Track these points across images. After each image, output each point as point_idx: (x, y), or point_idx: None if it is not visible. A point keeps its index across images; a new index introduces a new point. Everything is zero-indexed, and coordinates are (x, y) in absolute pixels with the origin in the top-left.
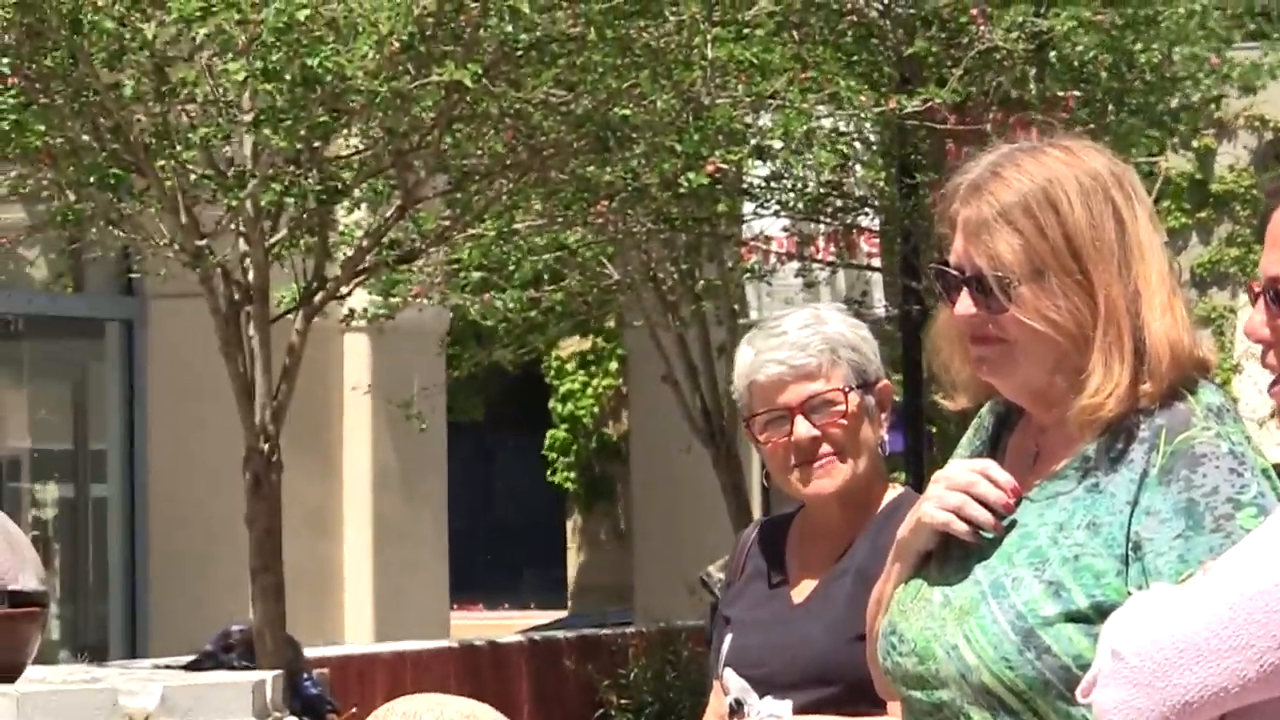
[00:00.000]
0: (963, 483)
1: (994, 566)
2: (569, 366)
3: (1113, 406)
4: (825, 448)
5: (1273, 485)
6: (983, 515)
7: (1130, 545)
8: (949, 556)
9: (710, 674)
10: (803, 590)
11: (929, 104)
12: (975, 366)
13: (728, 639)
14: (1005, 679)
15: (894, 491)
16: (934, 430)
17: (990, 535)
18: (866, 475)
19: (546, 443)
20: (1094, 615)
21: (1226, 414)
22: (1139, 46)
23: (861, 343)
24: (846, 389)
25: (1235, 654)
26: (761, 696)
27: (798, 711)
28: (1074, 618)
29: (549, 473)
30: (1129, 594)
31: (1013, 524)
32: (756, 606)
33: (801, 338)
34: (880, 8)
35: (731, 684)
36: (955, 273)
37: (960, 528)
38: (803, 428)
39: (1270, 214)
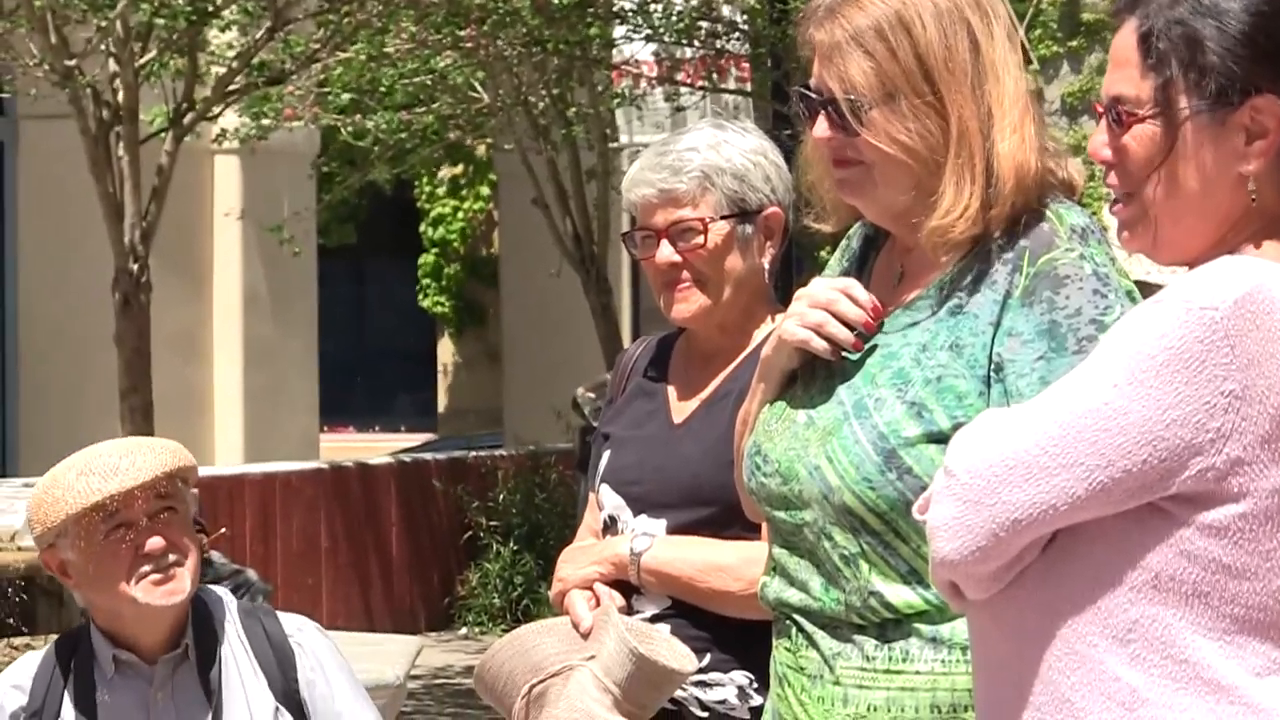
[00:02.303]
0: (824, 300)
1: (858, 387)
2: (440, 191)
3: (963, 228)
4: (685, 274)
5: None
6: (842, 333)
7: (992, 366)
8: (814, 377)
9: (584, 489)
10: (684, 411)
11: None
12: (838, 188)
13: (606, 455)
14: (867, 499)
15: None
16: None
17: (853, 355)
18: (738, 303)
19: (418, 267)
20: None
21: (1091, 236)
22: None
23: (751, 169)
24: (710, 219)
25: (1064, 471)
26: (636, 515)
27: (671, 531)
28: (936, 439)
29: (420, 297)
30: None
31: (874, 345)
32: (637, 425)
33: (679, 160)
34: None
35: (607, 501)
36: (814, 96)
37: (820, 345)
38: (665, 251)
39: (1116, 33)
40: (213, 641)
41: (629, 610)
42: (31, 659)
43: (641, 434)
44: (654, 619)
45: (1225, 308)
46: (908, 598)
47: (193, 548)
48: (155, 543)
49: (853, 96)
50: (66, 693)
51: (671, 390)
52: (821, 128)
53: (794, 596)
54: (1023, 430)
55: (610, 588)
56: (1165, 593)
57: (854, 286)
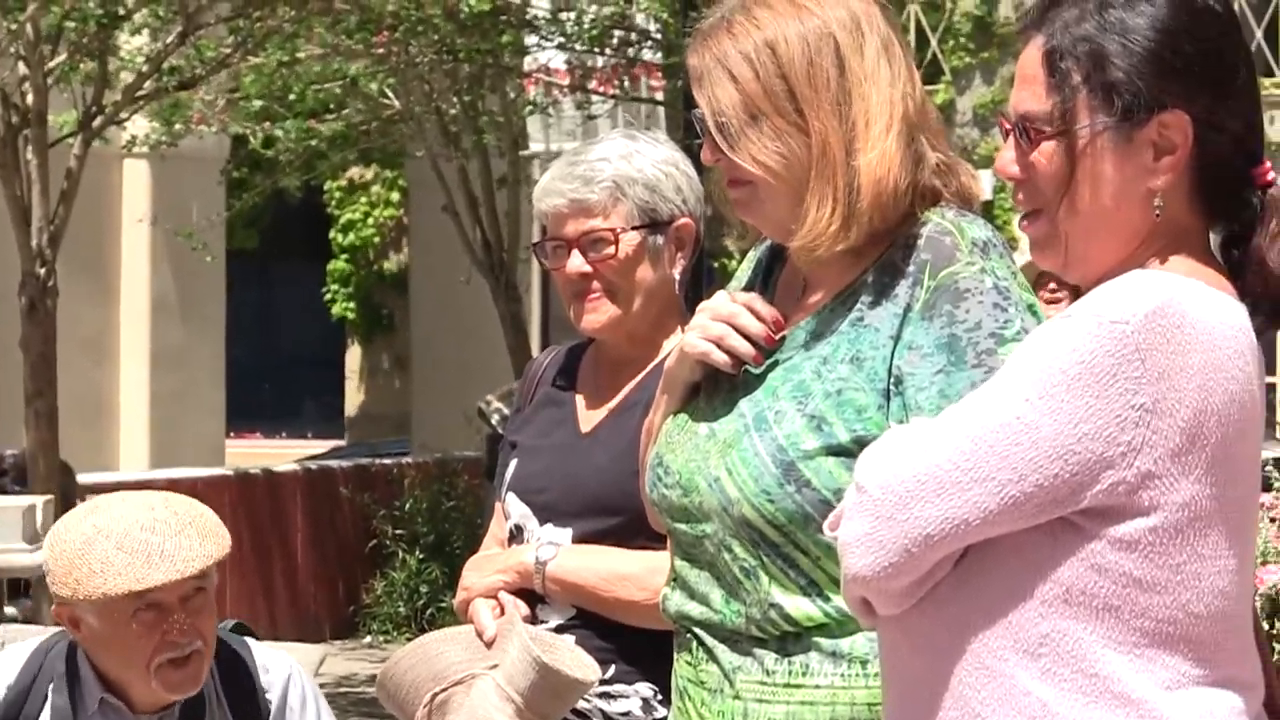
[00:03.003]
0: (725, 314)
1: (758, 400)
2: (350, 196)
3: (827, 246)
4: (595, 284)
5: (1039, 321)
6: (743, 346)
7: (892, 380)
8: (717, 389)
9: (490, 498)
10: (591, 420)
11: None
12: (734, 207)
13: (513, 464)
14: (765, 512)
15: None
16: (716, 265)
17: (755, 369)
18: (648, 314)
19: (327, 273)
20: (855, 449)
21: (993, 249)
22: None
23: (662, 180)
24: (621, 229)
25: (976, 486)
26: (543, 523)
27: (577, 540)
28: (835, 451)
29: (329, 303)
30: (889, 428)
31: (775, 359)
32: (544, 434)
33: (591, 171)
34: None
35: (513, 509)
36: (699, 119)
37: (720, 358)
38: (575, 262)
39: (1022, 49)
40: (200, 702)
41: (533, 620)
42: (12, 662)
43: (549, 443)
44: (559, 629)
45: (1136, 321)
46: (807, 610)
47: (213, 630)
48: (184, 634)
49: (721, 119)
50: (46, 711)
51: (580, 399)
52: (705, 150)
53: (694, 609)
54: (935, 445)
55: (515, 597)
56: (1076, 606)
57: (755, 300)
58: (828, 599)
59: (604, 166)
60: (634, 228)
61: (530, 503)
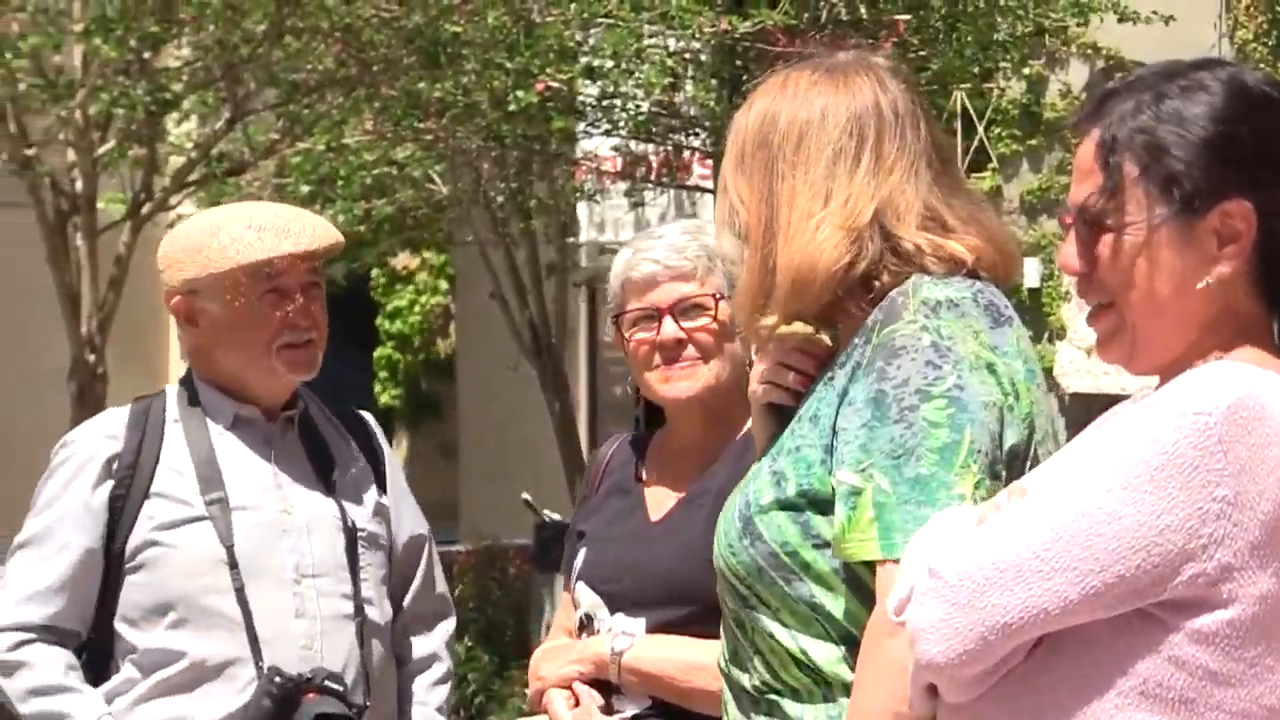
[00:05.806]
0: (779, 354)
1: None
2: (397, 285)
3: (744, 322)
4: (690, 350)
5: (996, 380)
6: (790, 381)
7: (834, 435)
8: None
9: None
10: (661, 507)
11: (761, 26)
12: None
13: (581, 553)
14: (730, 565)
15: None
16: None
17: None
18: (729, 388)
19: (375, 360)
20: (802, 503)
21: (946, 308)
22: None
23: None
24: (719, 296)
25: (1058, 575)
26: (614, 613)
27: (651, 629)
28: (785, 505)
29: (377, 390)
30: (831, 482)
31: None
32: (613, 522)
33: (680, 242)
34: None
35: (583, 599)
36: None
37: (777, 394)
38: (670, 328)
39: (1079, 143)
40: (317, 412)
41: (609, 710)
42: (118, 413)
43: (618, 531)
44: (634, 719)
45: (1219, 413)
46: (764, 677)
47: (325, 325)
48: (304, 318)
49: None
50: (169, 441)
51: (649, 487)
52: None
53: (723, 664)
54: (1014, 533)
55: (589, 687)
56: (1152, 699)
57: (807, 336)
58: (800, 658)
59: (689, 238)
60: (725, 297)
61: (601, 592)
